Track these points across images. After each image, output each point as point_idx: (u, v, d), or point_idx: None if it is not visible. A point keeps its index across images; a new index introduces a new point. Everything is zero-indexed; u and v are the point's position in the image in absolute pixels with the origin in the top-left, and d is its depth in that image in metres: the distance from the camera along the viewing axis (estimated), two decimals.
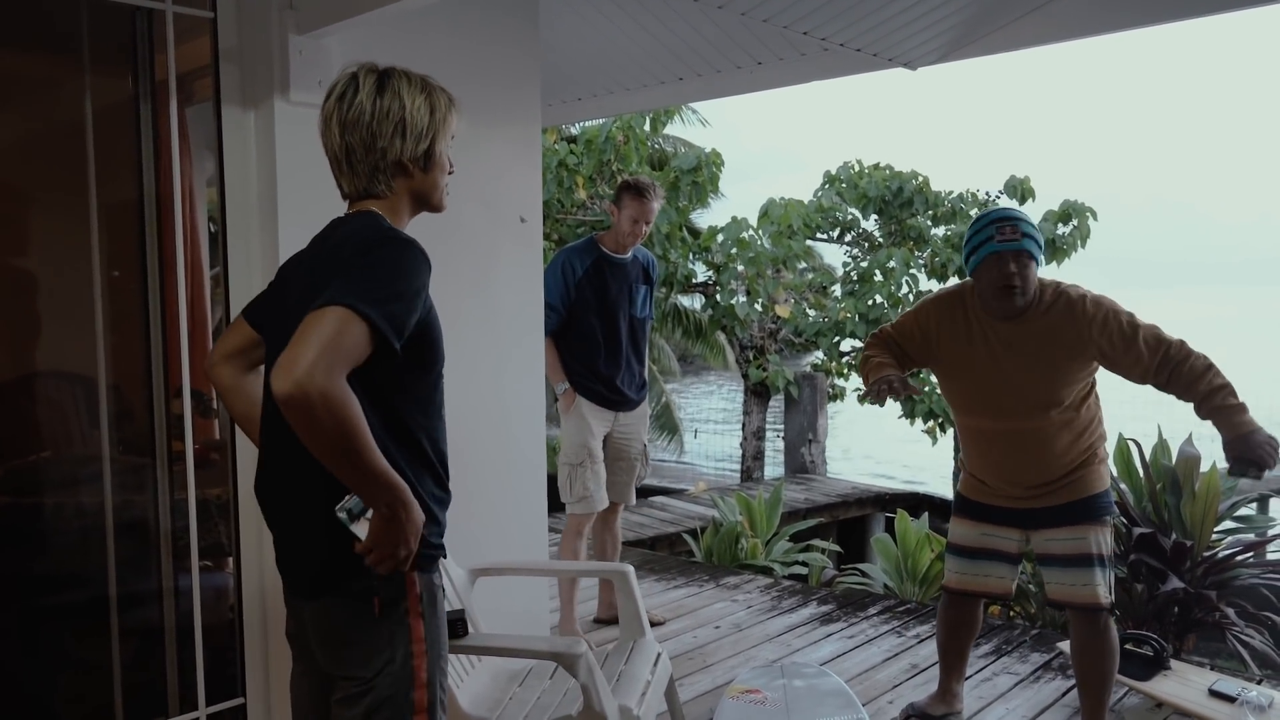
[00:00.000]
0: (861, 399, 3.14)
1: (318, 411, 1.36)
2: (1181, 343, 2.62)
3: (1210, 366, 2.58)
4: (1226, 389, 2.56)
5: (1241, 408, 2.55)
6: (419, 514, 1.53)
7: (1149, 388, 2.70)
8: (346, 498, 1.51)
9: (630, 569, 2.85)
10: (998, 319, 2.74)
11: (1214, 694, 3.04)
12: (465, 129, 1.80)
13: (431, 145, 1.67)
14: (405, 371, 1.58)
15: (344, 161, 1.65)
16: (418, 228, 1.75)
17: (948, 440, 10.39)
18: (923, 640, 3.97)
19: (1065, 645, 3.58)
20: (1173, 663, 3.27)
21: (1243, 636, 4.04)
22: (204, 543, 2.54)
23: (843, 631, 4.10)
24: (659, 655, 2.72)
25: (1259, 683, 3.40)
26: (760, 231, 9.32)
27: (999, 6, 3.09)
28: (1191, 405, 2.63)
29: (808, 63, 3.69)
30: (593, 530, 3.97)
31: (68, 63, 2.52)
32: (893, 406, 10.90)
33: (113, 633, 2.53)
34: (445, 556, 1.72)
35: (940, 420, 10.55)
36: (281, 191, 2.51)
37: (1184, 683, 3.14)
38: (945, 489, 9.46)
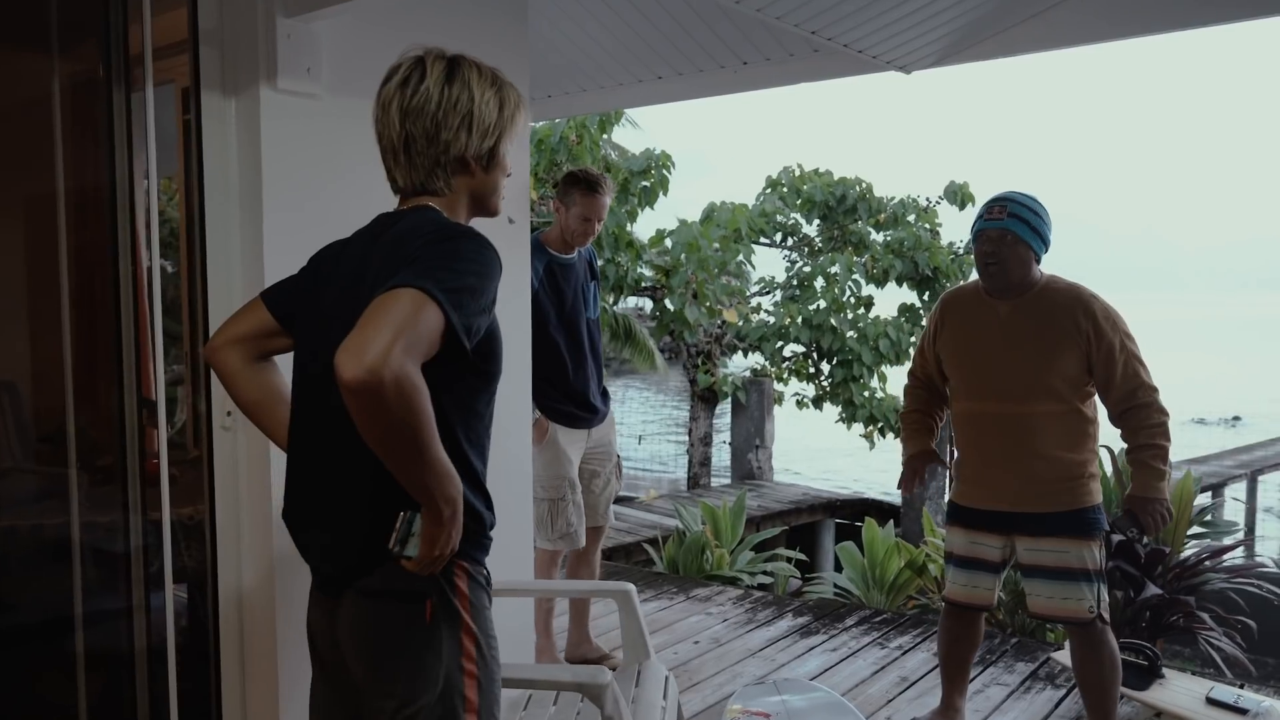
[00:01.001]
0: (899, 485, 3.19)
1: (389, 399, 1.21)
2: (1156, 391, 2.70)
3: (1163, 425, 2.68)
4: (1161, 450, 2.68)
5: (1162, 474, 2.68)
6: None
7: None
8: (396, 528, 1.36)
9: (632, 588, 2.74)
10: (997, 298, 2.80)
11: (1212, 702, 3.04)
12: None
13: (497, 144, 1.54)
14: (465, 380, 1.44)
15: (401, 152, 1.50)
16: None
17: (879, 451, 10.41)
18: (906, 652, 3.92)
19: (1057, 655, 3.58)
20: (1165, 670, 3.27)
21: (1215, 641, 4.09)
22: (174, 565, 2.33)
23: (824, 644, 4.02)
24: (667, 678, 2.60)
25: (1241, 687, 3.42)
26: (708, 235, 9.26)
27: (1001, 11, 3.05)
28: (1125, 446, 2.76)
29: (796, 63, 3.60)
30: (566, 563, 3.70)
31: (30, 40, 2.29)
32: (830, 411, 10.98)
33: (78, 659, 2.31)
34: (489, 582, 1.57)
35: (880, 425, 10.64)
36: (267, 183, 2.31)
37: (1180, 691, 3.14)
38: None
